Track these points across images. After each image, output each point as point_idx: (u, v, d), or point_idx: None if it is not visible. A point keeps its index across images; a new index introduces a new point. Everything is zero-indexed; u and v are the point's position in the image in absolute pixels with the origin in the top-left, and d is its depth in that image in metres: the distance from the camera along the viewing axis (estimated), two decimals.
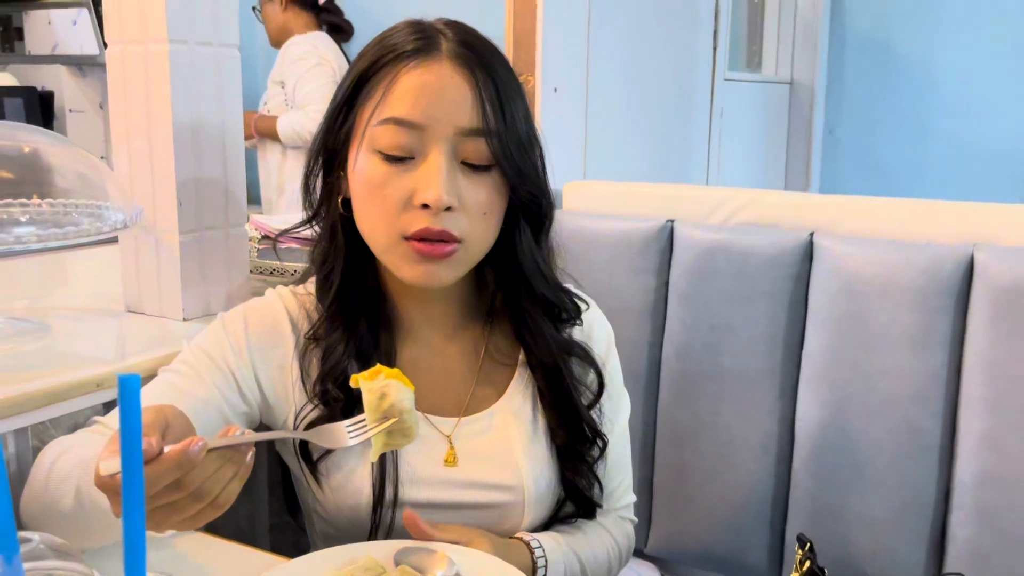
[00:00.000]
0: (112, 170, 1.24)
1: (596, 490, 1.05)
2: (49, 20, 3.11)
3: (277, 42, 3.14)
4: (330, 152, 0.98)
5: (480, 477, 0.99)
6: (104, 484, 0.67)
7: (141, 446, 0.53)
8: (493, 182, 0.93)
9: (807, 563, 1.14)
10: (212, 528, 1.00)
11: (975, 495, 1.23)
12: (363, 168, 0.93)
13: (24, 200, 1.10)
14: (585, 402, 1.04)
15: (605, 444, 1.05)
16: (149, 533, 0.71)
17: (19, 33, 3.15)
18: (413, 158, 0.91)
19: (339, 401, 0.95)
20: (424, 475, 0.97)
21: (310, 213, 1.01)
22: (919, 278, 1.26)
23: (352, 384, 0.80)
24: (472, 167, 0.92)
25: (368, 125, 0.92)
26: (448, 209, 0.90)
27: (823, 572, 1.14)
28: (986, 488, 1.23)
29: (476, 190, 0.92)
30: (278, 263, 1.43)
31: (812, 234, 1.34)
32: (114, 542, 0.80)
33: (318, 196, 1.00)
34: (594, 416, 1.05)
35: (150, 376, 0.95)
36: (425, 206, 0.90)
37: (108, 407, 1.03)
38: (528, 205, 0.97)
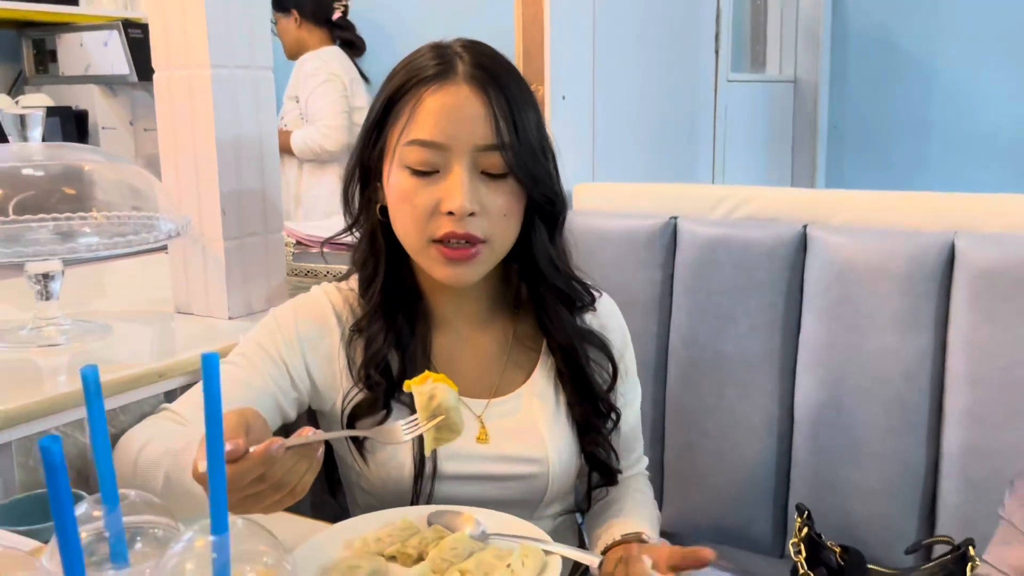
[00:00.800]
0: (160, 183, 1.35)
1: (613, 458, 1.16)
2: (81, 42, 3.23)
3: (293, 55, 3.24)
4: (366, 167, 1.09)
5: (509, 451, 1.09)
6: (203, 479, 0.77)
7: (222, 413, 0.64)
8: (510, 187, 1.04)
9: (805, 529, 1.24)
10: None
11: (962, 464, 1.32)
12: (395, 181, 1.04)
13: (83, 213, 1.21)
14: (601, 382, 1.15)
15: (619, 417, 1.16)
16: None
17: (53, 55, 3.27)
18: (439, 171, 1.02)
19: (380, 385, 1.07)
20: (459, 451, 1.06)
21: (350, 221, 1.13)
22: (905, 265, 1.34)
23: (405, 389, 0.91)
24: (491, 175, 1.03)
25: (398, 144, 1.03)
26: (472, 215, 1.01)
27: (820, 537, 1.24)
28: (972, 458, 1.31)
29: (496, 195, 1.03)
30: (312, 265, 1.53)
31: (806, 226, 1.43)
32: (194, 515, 0.90)
33: (357, 206, 1.11)
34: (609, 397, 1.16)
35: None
36: (450, 213, 1.00)
37: (168, 396, 1.14)
38: (543, 206, 1.08)
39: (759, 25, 3.55)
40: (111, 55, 3.15)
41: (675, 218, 1.53)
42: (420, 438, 0.89)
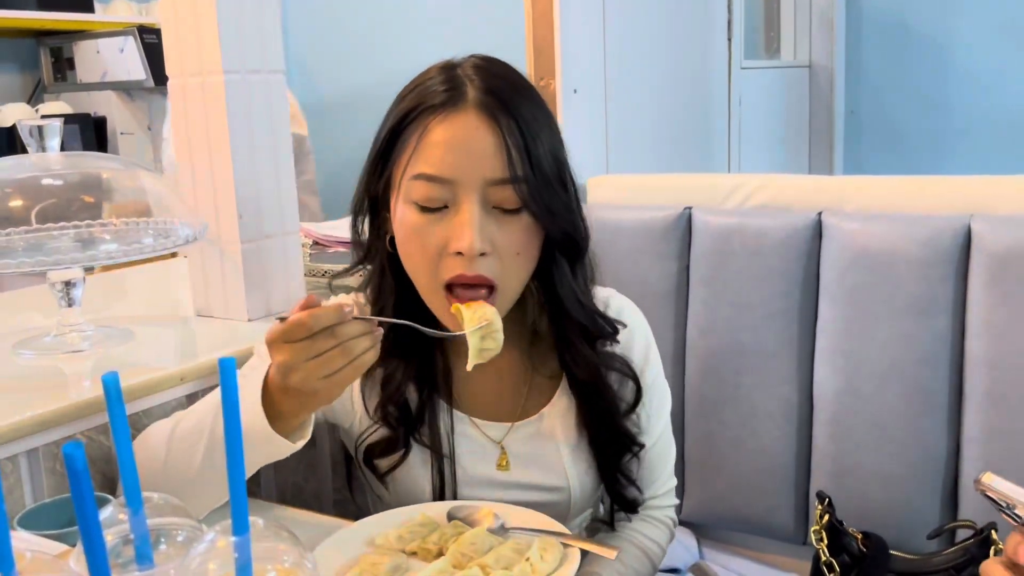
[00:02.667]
0: (178, 189, 1.37)
1: (633, 489, 1.12)
2: (97, 49, 3.27)
3: None
4: (373, 197, 1.03)
5: (530, 479, 1.07)
6: (274, 332, 0.83)
7: (240, 416, 0.66)
8: (525, 223, 0.97)
9: (826, 517, 1.24)
10: (284, 500, 1.13)
11: (983, 448, 1.31)
12: (402, 217, 0.98)
13: (103, 220, 1.23)
14: (624, 408, 1.11)
15: (640, 448, 1.12)
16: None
17: (70, 63, 3.31)
18: (447, 206, 0.95)
19: (399, 421, 1.05)
20: (479, 478, 1.06)
21: (360, 255, 1.07)
22: (921, 249, 1.33)
23: (452, 311, 0.94)
24: (504, 210, 0.96)
25: (403, 177, 0.97)
26: (482, 254, 0.95)
27: (841, 524, 1.24)
28: (993, 441, 1.30)
29: (508, 232, 0.96)
30: (329, 266, 1.55)
31: (820, 214, 1.43)
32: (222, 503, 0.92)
33: (366, 238, 1.06)
34: (633, 421, 1.11)
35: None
36: (460, 253, 0.94)
37: (190, 399, 1.16)
38: (562, 240, 1.01)
39: (772, 10, 3.53)
40: (127, 61, 3.18)
41: (689, 208, 1.53)
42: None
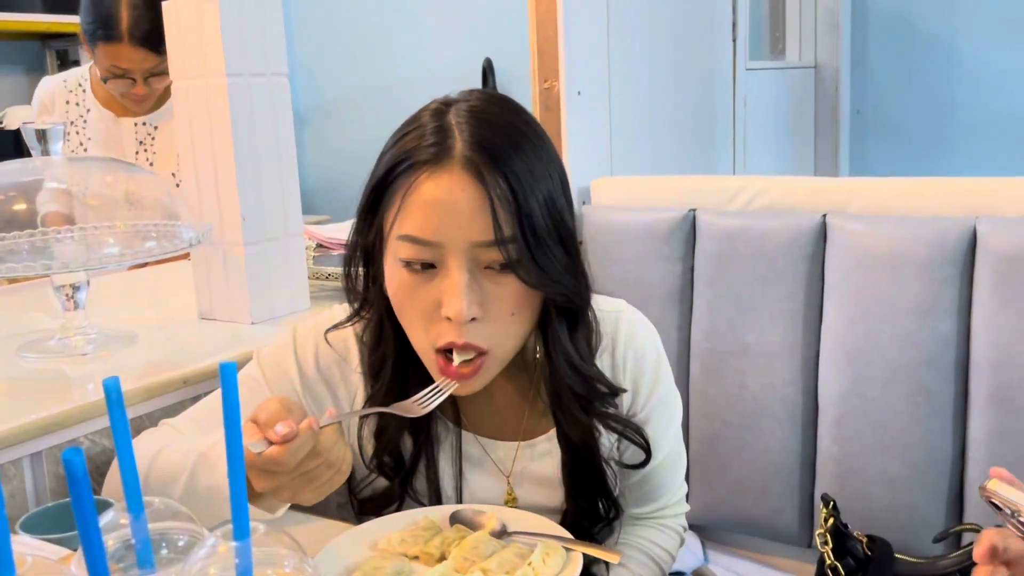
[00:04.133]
0: (181, 191, 1.37)
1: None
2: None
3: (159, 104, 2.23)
4: (366, 248, 0.99)
5: (537, 503, 1.05)
6: (251, 463, 0.79)
7: (240, 418, 0.66)
8: (518, 281, 0.91)
9: (831, 520, 1.23)
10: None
11: (989, 450, 1.31)
12: (391, 274, 0.94)
13: (108, 224, 1.24)
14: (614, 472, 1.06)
15: (616, 515, 1.08)
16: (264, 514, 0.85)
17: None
18: (435, 266, 0.91)
19: (394, 471, 1.04)
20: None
21: (356, 307, 1.02)
22: (926, 251, 1.33)
23: None
24: (498, 268, 0.91)
25: (390, 236, 0.93)
26: (473, 319, 0.90)
27: (846, 527, 1.23)
28: (998, 443, 1.30)
29: (501, 294, 0.92)
30: (333, 269, 1.55)
31: (825, 215, 1.42)
32: (213, 524, 0.92)
33: (360, 289, 1.01)
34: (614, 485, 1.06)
35: None
36: (450, 318, 0.90)
37: (193, 401, 1.15)
38: (559, 300, 0.95)
39: (777, 11, 3.51)
40: None
41: (693, 210, 1.53)
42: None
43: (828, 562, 1.18)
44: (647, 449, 1.06)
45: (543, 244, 0.90)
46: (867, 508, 1.38)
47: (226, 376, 0.66)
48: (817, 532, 1.21)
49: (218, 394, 1.00)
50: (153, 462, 0.95)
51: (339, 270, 1.54)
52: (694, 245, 1.52)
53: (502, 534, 0.93)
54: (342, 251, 1.61)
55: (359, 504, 1.07)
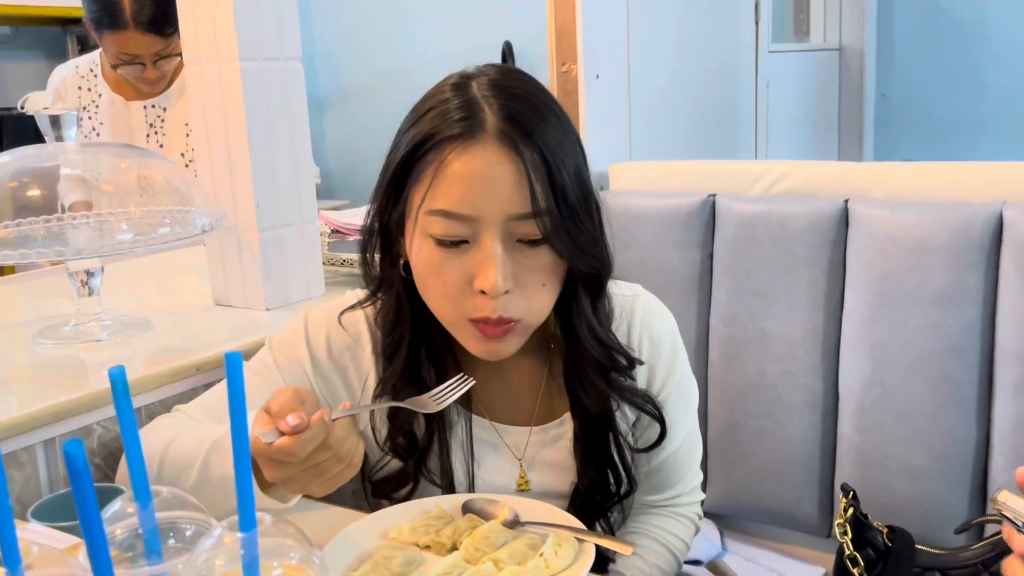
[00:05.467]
0: (195, 177, 1.37)
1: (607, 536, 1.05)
2: None
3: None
4: (386, 226, 0.98)
5: (549, 488, 1.05)
6: (261, 452, 0.79)
7: (246, 409, 0.65)
8: (549, 254, 0.92)
9: (851, 510, 1.21)
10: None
11: (1013, 440, 1.28)
12: (419, 251, 0.93)
13: (122, 210, 1.23)
14: (630, 445, 1.06)
15: (628, 493, 1.07)
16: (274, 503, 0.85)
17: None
18: (467, 241, 0.91)
19: (408, 452, 1.03)
20: (497, 492, 1.03)
21: (372, 288, 1.02)
22: (951, 237, 1.31)
23: None
24: (527, 243, 0.91)
25: (420, 211, 0.92)
26: (506, 292, 0.90)
27: (866, 517, 1.22)
28: (1023, 433, 1.28)
29: (533, 266, 0.92)
30: (348, 255, 1.54)
31: (847, 201, 1.40)
32: (223, 514, 0.92)
33: (378, 269, 1.01)
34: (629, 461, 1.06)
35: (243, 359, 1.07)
36: (483, 292, 0.90)
37: (207, 388, 1.15)
38: (586, 273, 0.96)
39: None
40: None
41: (713, 196, 1.51)
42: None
43: (847, 552, 1.17)
44: (662, 422, 1.05)
45: (576, 215, 0.91)
46: (888, 498, 1.36)
47: (232, 366, 0.65)
48: (837, 522, 1.20)
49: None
50: (166, 450, 0.95)
51: (354, 256, 1.53)
52: (713, 231, 1.50)
53: (514, 524, 0.92)
54: (358, 237, 1.60)
55: (373, 486, 1.06)
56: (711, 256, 1.51)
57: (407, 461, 1.03)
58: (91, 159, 1.23)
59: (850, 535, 1.18)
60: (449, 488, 1.04)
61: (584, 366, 1.01)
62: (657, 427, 1.07)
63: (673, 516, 1.16)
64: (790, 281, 1.43)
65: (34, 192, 1.19)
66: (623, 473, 1.05)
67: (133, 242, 1.15)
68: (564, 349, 1.02)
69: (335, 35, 3.69)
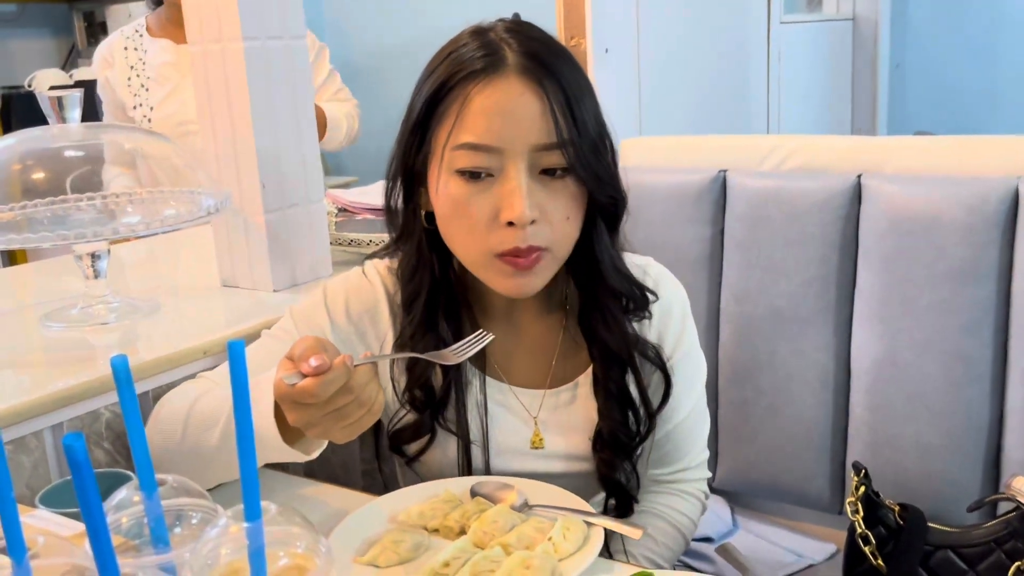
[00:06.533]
0: (201, 158, 1.36)
1: (634, 483, 1.09)
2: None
3: None
4: (409, 172, 1.01)
5: (564, 449, 1.06)
6: (284, 395, 0.80)
7: (249, 397, 0.64)
8: (571, 187, 0.96)
9: (862, 488, 1.21)
10: (310, 473, 1.13)
11: None
12: (445, 188, 0.96)
13: (127, 192, 1.23)
14: (653, 400, 1.08)
15: (649, 431, 1.08)
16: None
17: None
18: (493, 175, 0.94)
19: (425, 404, 1.05)
20: (512, 452, 1.05)
21: (395, 235, 1.05)
22: (965, 213, 1.29)
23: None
24: (551, 174, 0.94)
25: (445, 148, 0.94)
26: (532, 222, 0.93)
27: (877, 495, 1.21)
28: None
29: (556, 197, 0.95)
30: (355, 235, 1.53)
31: (860, 176, 1.38)
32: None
33: (401, 217, 1.03)
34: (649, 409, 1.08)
35: (250, 341, 1.06)
36: (510, 223, 0.93)
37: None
38: (605, 205, 1.00)
39: None
40: None
41: (724, 171, 1.49)
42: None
43: (859, 531, 1.16)
44: (667, 379, 1.08)
45: (596, 148, 0.95)
46: (900, 476, 1.35)
47: (234, 354, 0.65)
48: (848, 500, 1.19)
49: (251, 348, 1.04)
50: (191, 411, 0.97)
51: (362, 236, 1.53)
52: (724, 207, 1.49)
53: (523, 507, 0.92)
54: (366, 216, 1.60)
55: (391, 438, 1.08)
56: (722, 232, 1.49)
57: (423, 413, 1.05)
58: (95, 140, 1.23)
59: (862, 513, 1.18)
60: (465, 439, 1.05)
61: (606, 302, 1.04)
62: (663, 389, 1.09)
63: (679, 494, 1.16)
64: (802, 258, 1.42)
65: (39, 174, 1.19)
66: (642, 411, 1.07)
67: (139, 224, 1.14)
68: (581, 296, 1.06)
69: (346, 11, 3.66)
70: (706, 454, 1.20)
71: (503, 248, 0.94)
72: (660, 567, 1.08)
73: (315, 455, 0.90)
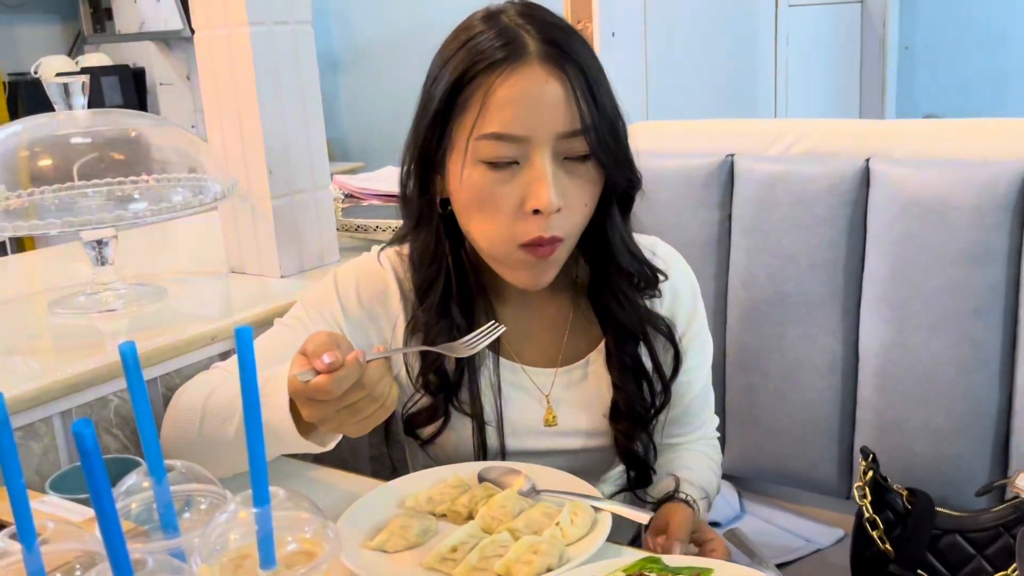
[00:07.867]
0: (207, 145, 1.35)
1: (652, 455, 1.10)
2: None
3: None
4: (426, 161, 1.00)
5: (577, 426, 1.07)
6: (298, 391, 0.81)
7: (257, 383, 0.65)
8: (591, 172, 0.96)
9: (870, 473, 1.21)
10: (319, 459, 1.13)
11: None
12: (469, 179, 0.95)
13: (134, 178, 1.23)
14: (665, 372, 1.10)
15: (664, 405, 1.10)
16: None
17: (108, 14, 3.31)
18: (517, 163, 0.94)
19: (439, 388, 1.05)
20: (526, 430, 1.06)
21: (411, 223, 1.04)
22: (975, 196, 1.28)
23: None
24: (573, 159, 0.95)
25: (469, 139, 0.94)
26: (557, 210, 0.94)
27: (885, 480, 1.21)
28: None
29: (578, 184, 0.96)
30: (362, 220, 1.53)
31: (868, 160, 1.37)
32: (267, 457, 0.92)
33: (416, 205, 1.03)
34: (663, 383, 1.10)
35: (259, 329, 1.06)
36: (536, 212, 0.93)
37: (223, 356, 1.16)
38: (621, 188, 1.01)
39: None
40: (164, 11, 3.17)
41: (732, 156, 1.49)
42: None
43: (867, 515, 1.17)
44: (677, 352, 1.09)
45: (616, 133, 0.96)
46: (908, 460, 1.35)
47: (241, 341, 0.65)
48: (856, 485, 1.19)
49: (264, 337, 1.04)
50: (208, 402, 0.97)
51: (368, 222, 1.53)
52: (732, 192, 1.48)
53: (531, 492, 0.92)
54: (373, 201, 1.60)
55: (405, 422, 1.08)
56: (729, 217, 1.49)
57: (437, 397, 1.05)
58: (102, 126, 1.22)
59: (870, 498, 1.18)
60: (479, 420, 1.05)
61: (618, 280, 1.05)
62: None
63: (703, 440, 1.22)
64: (810, 242, 1.41)
65: (46, 161, 1.19)
66: (658, 383, 1.08)
67: (146, 211, 1.14)
68: (593, 276, 1.07)
69: None
70: (716, 420, 1.26)
71: (527, 237, 0.95)
72: (705, 492, 1.12)
73: (331, 446, 0.90)
